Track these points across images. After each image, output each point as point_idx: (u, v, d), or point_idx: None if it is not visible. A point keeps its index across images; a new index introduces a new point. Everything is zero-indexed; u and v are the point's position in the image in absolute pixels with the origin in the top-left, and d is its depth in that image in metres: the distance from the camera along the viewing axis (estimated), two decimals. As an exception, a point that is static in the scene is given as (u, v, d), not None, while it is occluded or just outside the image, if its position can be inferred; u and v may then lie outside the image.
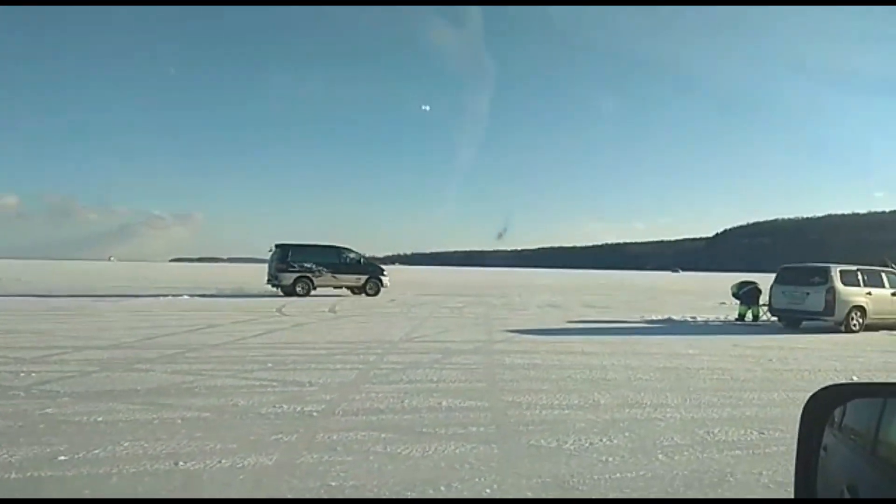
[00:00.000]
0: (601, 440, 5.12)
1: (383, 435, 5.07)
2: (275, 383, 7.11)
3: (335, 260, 24.28)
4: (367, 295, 24.50)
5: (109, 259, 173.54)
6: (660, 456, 4.72)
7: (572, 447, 4.89)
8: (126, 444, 4.61)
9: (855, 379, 8.31)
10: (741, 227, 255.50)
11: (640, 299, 28.28)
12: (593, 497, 3.91)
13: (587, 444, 4.98)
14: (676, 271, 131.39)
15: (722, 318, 18.00)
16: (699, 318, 17.80)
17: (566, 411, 6.16)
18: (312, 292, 23.83)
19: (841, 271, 14.71)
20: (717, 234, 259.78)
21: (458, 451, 4.69)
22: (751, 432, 5.51)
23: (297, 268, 23.64)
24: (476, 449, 4.76)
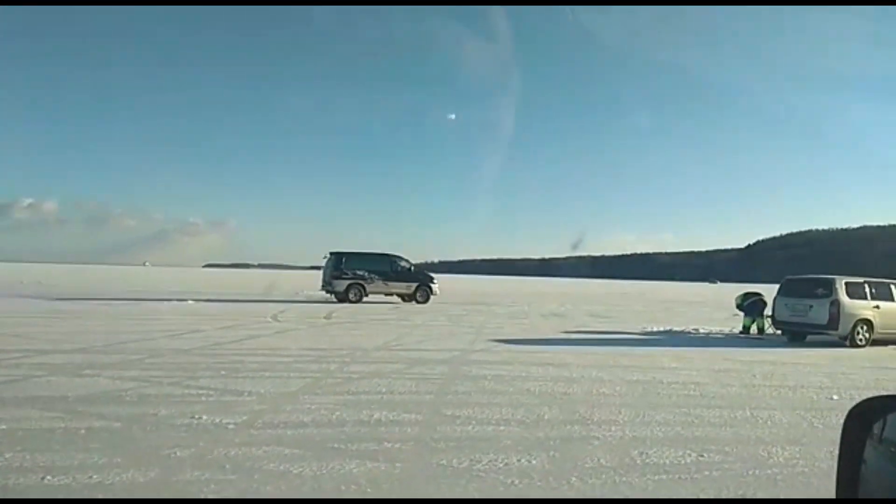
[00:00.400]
0: (519, 460, 4.79)
1: (286, 451, 4.81)
2: (213, 392, 6.91)
3: (387, 268, 24.77)
4: (417, 302, 24.99)
5: (144, 264, 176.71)
6: (572, 480, 4.38)
7: (483, 468, 4.57)
8: (9, 455, 4.43)
9: (835, 398, 7.81)
10: (774, 238, 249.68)
11: (654, 310, 27.60)
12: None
13: (501, 465, 4.66)
14: (714, 282, 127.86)
15: (727, 330, 17.37)
16: (702, 331, 17.20)
17: (501, 427, 5.83)
18: (364, 299, 24.36)
19: (846, 283, 14.04)
20: (749, 246, 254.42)
21: (355, 470, 4.41)
22: (689, 454, 5.11)
23: (350, 275, 24.19)
24: (377, 468, 4.48)
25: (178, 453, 4.65)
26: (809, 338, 14.86)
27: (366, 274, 24.28)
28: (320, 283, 25.28)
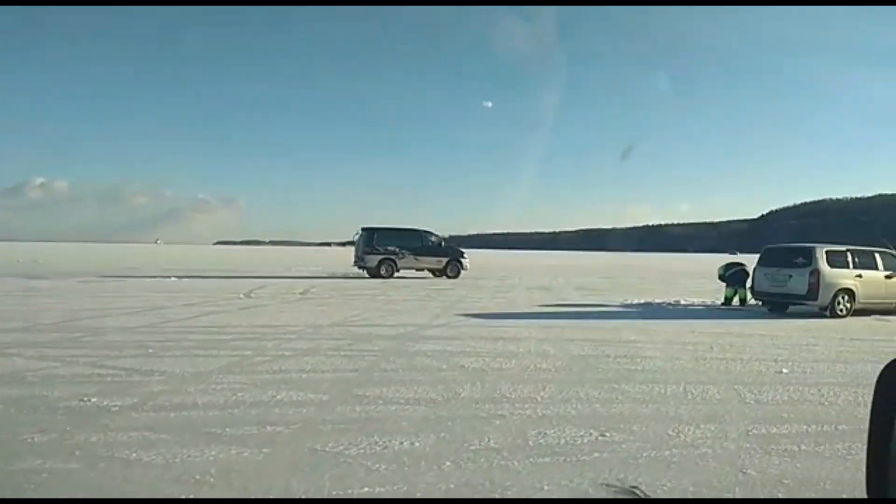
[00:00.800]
0: (401, 443, 4.49)
1: (153, 436, 4.53)
2: (123, 373, 6.67)
3: (418, 243, 24.91)
4: (448, 277, 25.09)
5: (156, 242, 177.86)
6: (446, 464, 4.07)
7: (356, 452, 4.28)
8: None
9: (784, 372, 7.45)
10: (788, 207, 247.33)
11: (650, 282, 27.17)
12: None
13: (378, 449, 4.37)
14: (734, 253, 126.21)
15: (710, 302, 16.95)
16: (684, 302, 16.81)
17: (407, 407, 5.54)
18: (396, 274, 24.62)
19: (827, 252, 13.54)
20: (762, 216, 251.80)
21: (212, 457, 4.12)
22: (590, 434, 4.79)
23: (382, 250, 24.39)
24: (238, 454, 4.20)
25: (36, 438, 4.39)
26: (791, 308, 14.44)
27: (397, 249, 24.42)
28: (352, 259, 25.51)
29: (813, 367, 7.78)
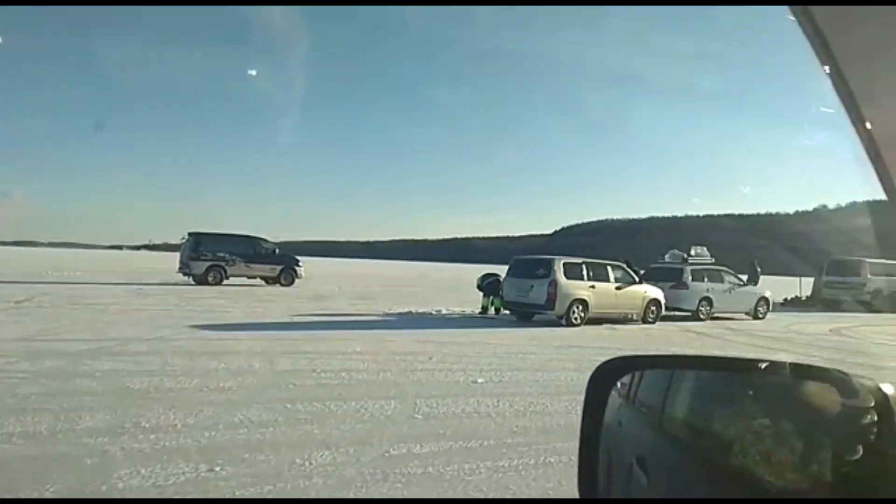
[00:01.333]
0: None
1: None
2: None
3: (249, 250, 24.12)
4: (282, 285, 24.26)
5: None
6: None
7: None
8: None
9: (479, 381, 7.38)
10: (576, 225, 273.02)
11: (428, 291, 27.49)
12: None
13: None
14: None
15: (469, 311, 17.32)
16: (445, 311, 16.99)
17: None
18: (225, 281, 23.44)
19: (565, 264, 14.38)
20: (555, 232, 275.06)
21: None
22: (198, 467, 4.05)
23: (210, 256, 23.28)
24: None
25: None
26: (537, 317, 15.10)
27: (227, 256, 23.43)
28: (177, 265, 24.08)
29: (512, 377, 7.83)
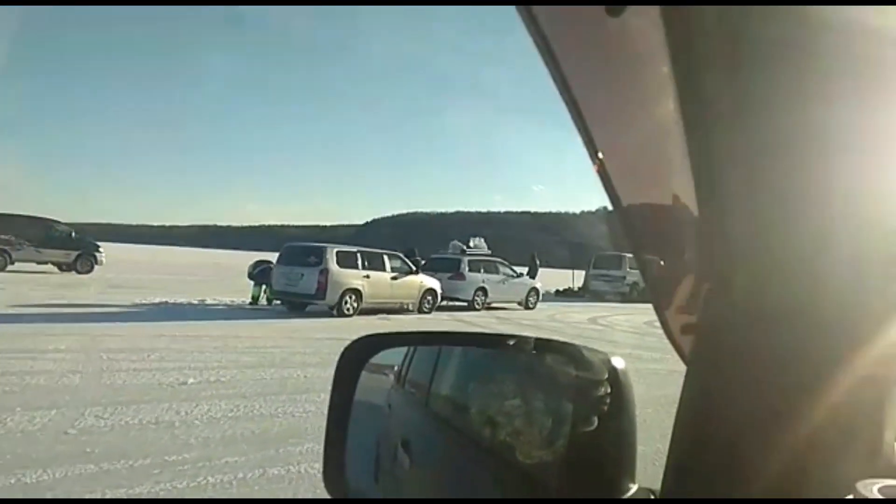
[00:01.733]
0: None
1: None
2: None
3: (40, 233, 21.50)
4: (78, 273, 21.80)
5: None
6: None
7: None
8: None
9: (190, 382, 6.39)
10: (387, 217, 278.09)
11: (206, 279, 25.34)
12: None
13: None
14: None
15: (241, 301, 15.99)
16: (210, 301, 15.52)
17: None
18: (9, 267, 20.41)
19: (338, 252, 13.76)
20: (366, 223, 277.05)
21: None
22: None
23: None
24: None
25: None
26: (311, 308, 14.25)
27: (12, 239, 20.67)
28: None
29: (235, 376, 6.92)
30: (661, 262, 0.75)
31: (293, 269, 13.59)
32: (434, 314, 15.62)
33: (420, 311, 15.43)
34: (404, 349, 1.12)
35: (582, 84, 0.57)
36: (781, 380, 0.59)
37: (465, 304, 17.39)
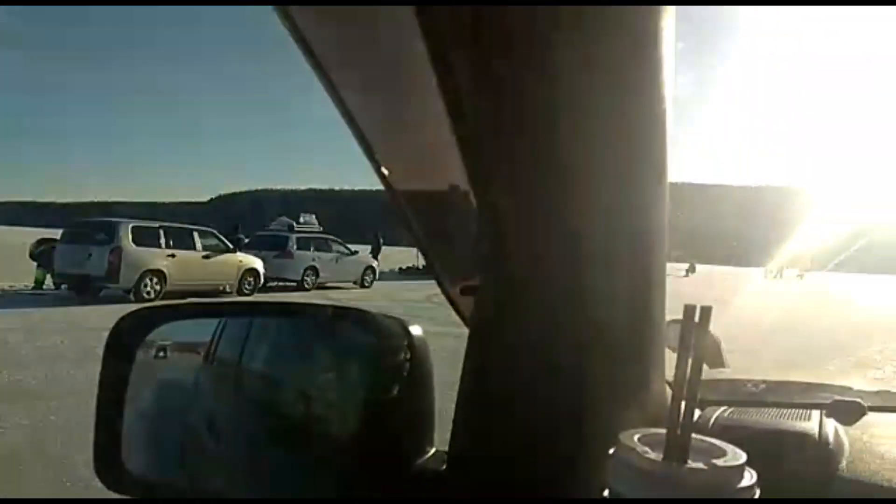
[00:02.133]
0: None
1: None
2: None
3: None
4: None
5: None
6: None
7: None
8: None
9: None
10: (229, 194, 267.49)
11: None
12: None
13: None
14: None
15: (23, 286, 13.70)
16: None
17: None
18: None
19: (133, 228, 12.08)
20: (210, 200, 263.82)
21: None
22: None
23: None
24: None
25: None
26: (106, 293, 12.42)
27: None
28: None
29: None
30: (444, 242, 0.83)
31: (81, 248, 11.69)
32: (257, 295, 14.36)
33: (240, 293, 14.10)
34: (213, 324, 1.00)
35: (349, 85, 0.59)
36: (555, 339, 0.62)
37: (295, 283, 16.28)
